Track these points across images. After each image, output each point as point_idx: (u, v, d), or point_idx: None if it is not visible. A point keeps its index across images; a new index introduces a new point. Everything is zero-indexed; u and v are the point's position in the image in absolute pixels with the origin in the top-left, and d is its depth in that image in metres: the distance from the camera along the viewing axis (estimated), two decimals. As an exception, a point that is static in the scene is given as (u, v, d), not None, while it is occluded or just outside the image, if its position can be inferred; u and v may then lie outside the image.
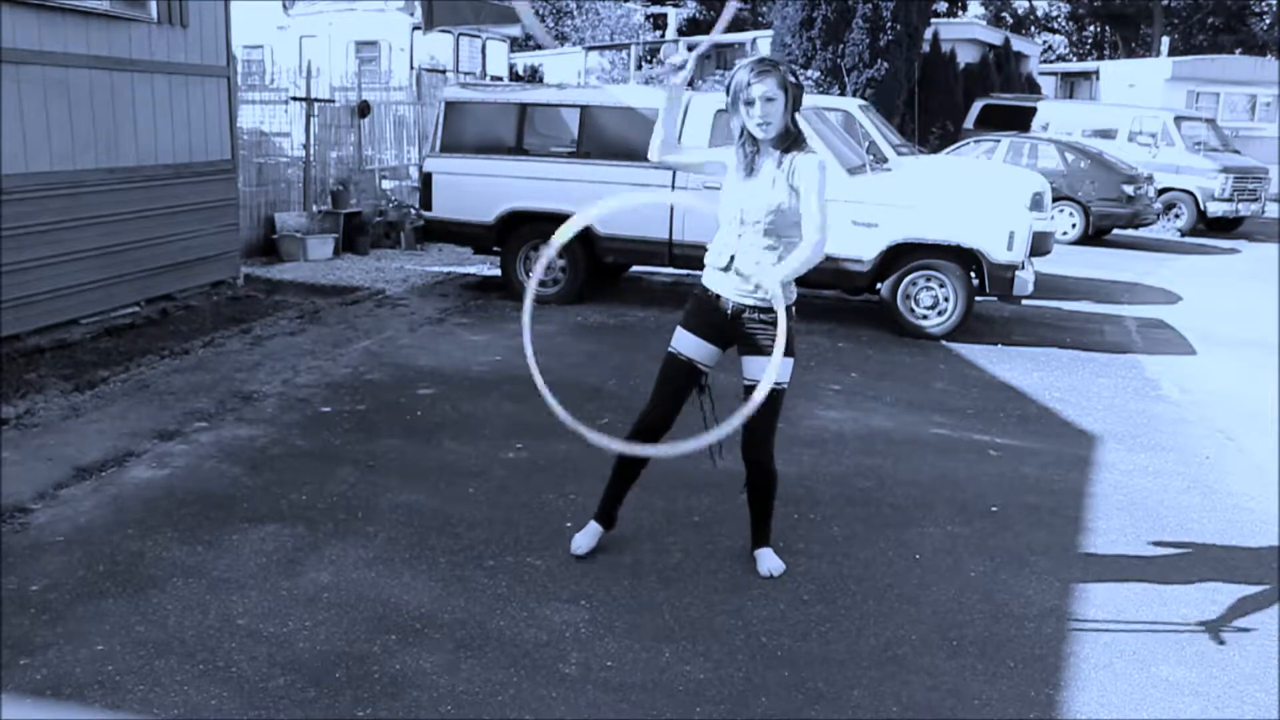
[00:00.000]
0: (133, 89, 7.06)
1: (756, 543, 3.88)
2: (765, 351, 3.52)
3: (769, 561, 3.83)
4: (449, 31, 16.19)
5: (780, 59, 3.56)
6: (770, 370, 3.28)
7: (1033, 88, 23.44)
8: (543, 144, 8.60)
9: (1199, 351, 7.90)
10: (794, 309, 3.57)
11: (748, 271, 3.51)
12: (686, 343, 3.71)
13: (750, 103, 3.44)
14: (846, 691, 3.09)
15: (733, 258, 3.56)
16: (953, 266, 7.61)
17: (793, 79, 3.48)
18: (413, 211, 10.89)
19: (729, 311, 3.60)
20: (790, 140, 3.52)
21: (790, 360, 3.55)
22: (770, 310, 3.50)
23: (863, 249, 7.64)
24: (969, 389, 6.47)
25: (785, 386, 3.63)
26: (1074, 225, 14.24)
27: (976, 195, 8.30)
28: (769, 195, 3.48)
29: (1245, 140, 19.41)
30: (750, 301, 3.56)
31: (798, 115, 3.53)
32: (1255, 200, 16.12)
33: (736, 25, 31.26)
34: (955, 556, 4.05)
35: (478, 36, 18.16)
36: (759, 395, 3.20)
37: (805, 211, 3.48)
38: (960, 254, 7.59)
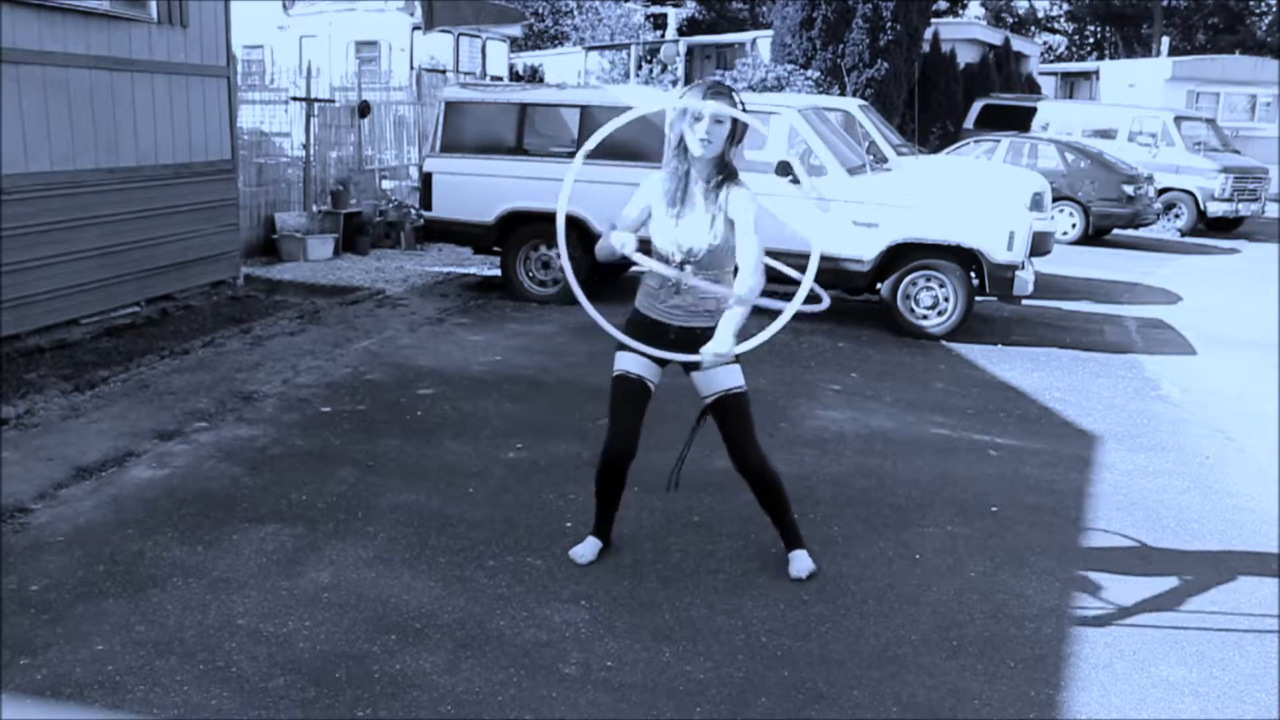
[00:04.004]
0: (133, 89, 7.06)
1: (788, 545, 3.86)
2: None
3: (799, 563, 3.81)
4: (449, 31, 16.20)
5: (735, 91, 3.53)
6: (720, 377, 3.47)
7: (1033, 88, 23.44)
8: (543, 144, 8.60)
9: (1199, 351, 7.90)
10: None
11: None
12: (634, 363, 3.67)
13: (699, 118, 3.41)
14: (846, 691, 3.09)
15: (678, 286, 3.54)
16: (953, 266, 7.61)
17: (743, 111, 3.46)
18: (413, 211, 10.89)
19: (673, 337, 3.58)
20: (724, 172, 3.50)
21: (738, 364, 3.60)
22: (712, 328, 3.49)
23: (863, 249, 7.64)
24: (969, 389, 6.47)
25: (745, 389, 3.65)
26: (1074, 225, 14.24)
27: (976, 195, 8.30)
28: (707, 232, 3.47)
29: (1245, 140, 19.41)
30: (696, 325, 3.55)
31: (736, 151, 3.51)
32: (1255, 200, 16.12)
33: (736, 25, 31.29)
34: (955, 556, 4.05)
35: (478, 36, 18.16)
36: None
37: (741, 251, 3.47)
38: (960, 254, 7.59)
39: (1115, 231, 14.72)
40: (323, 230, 10.38)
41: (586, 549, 3.87)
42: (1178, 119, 16.71)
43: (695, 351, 3.52)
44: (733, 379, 3.62)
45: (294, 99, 10.85)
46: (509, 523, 4.17)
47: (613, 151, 8.18)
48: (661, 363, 3.69)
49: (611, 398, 3.74)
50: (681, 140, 3.48)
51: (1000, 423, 5.79)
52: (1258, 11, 38.15)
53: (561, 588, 3.64)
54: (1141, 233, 15.32)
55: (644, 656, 3.23)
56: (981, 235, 7.50)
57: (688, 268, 3.51)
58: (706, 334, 3.49)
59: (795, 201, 7.53)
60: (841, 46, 17.96)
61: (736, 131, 3.46)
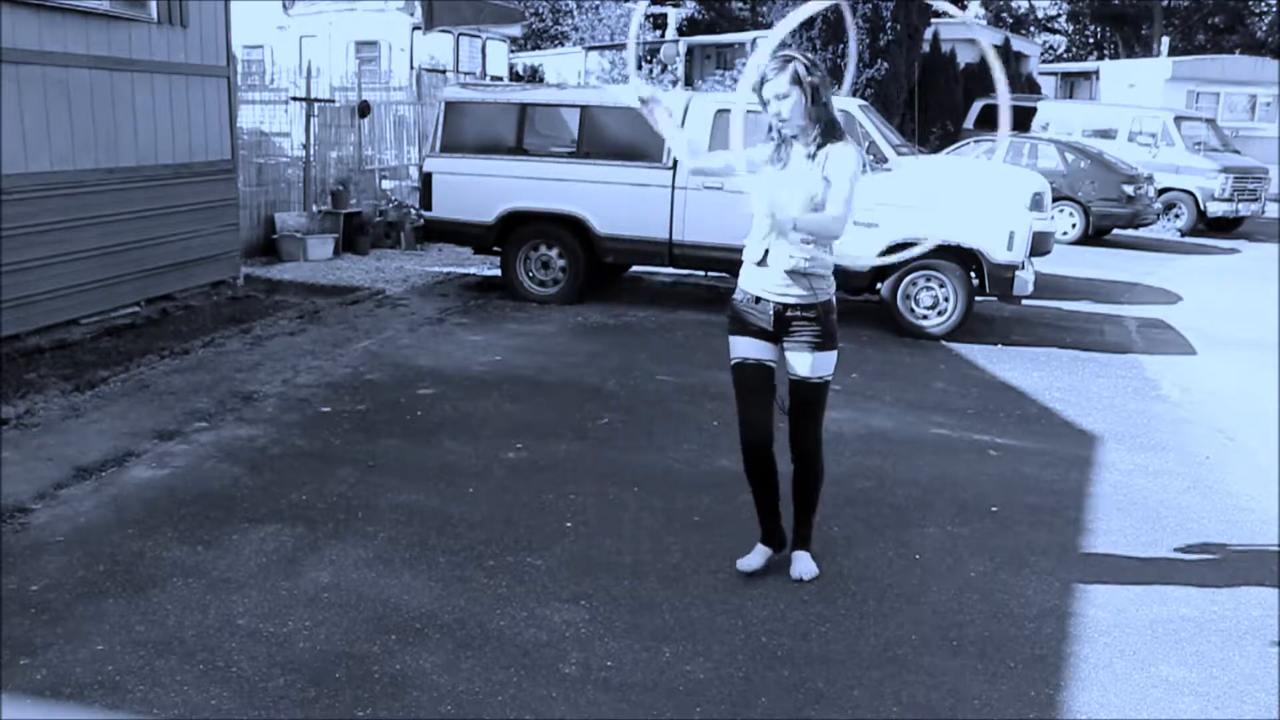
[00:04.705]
0: (133, 89, 7.06)
1: (795, 543, 3.84)
2: (806, 347, 3.57)
3: (801, 565, 3.79)
4: (449, 31, 16.21)
5: (797, 52, 3.52)
6: (806, 363, 3.48)
7: (1033, 88, 23.45)
8: (543, 144, 8.60)
9: (1199, 351, 7.90)
10: (833, 303, 3.61)
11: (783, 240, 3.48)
12: (746, 347, 3.65)
13: (767, 102, 3.46)
14: (846, 691, 3.09)
15: (767, 251, 3.54)
16: (953, 266, 7.61)
17: (807, 73, 3.43)
18: (413, 211, 10.89)
19: (770, 312, 3.58)
20: (823, 133, 3.47)
21: (833, 353, 3.61)
22: (811, 307, 3.53)
23: (863, 249, 7.63)
24: (969, 389, 6.47)
25: (829, 378, 3.66)
26: (1074, 225, 14.24)
27: (976, 195, 8.29)
28: (803, 188, 3.44)
29: (1245, 140, 19.41)
30: (790, 300, 3.54)
31: (828, 106, 3.47)
32: (1255, 200, 16.13)
33: (736, 25, 31.29)
34: (955, 556, 4.05)
35: (478, 36, 18.16)
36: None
37: (834, 190, 3.42)
38: (960, 254, 7.59)
39: (1115, 231, 14.72)
40: (323, 230, 10.38)
41: (753, 559, 3.81)
42: (1178, 119, 16.71)
43: (788, 326, 3.54)
44: (820, 369, 3.61)
45: (294, 99, 10.85)
46: (509, 523, 4.17)
47: (613, 151, 8.26)
48: (775, 338, 3.65)
49: (734, 388, 3.72)
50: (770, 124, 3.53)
51: (1000, 423, 5.79)
52: (1257, 11, 38.14)
53: (561, 588, 3.64)
54: (1141, 233, 15.32)
55: (644, 656, 3.23)
56: (981, 235, 7.50)
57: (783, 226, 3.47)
58: (803, 310, 3.51)
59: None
60: (841, 46, 17.96)
61: (807, 93, 3.42)
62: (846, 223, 3.43)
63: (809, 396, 3.66)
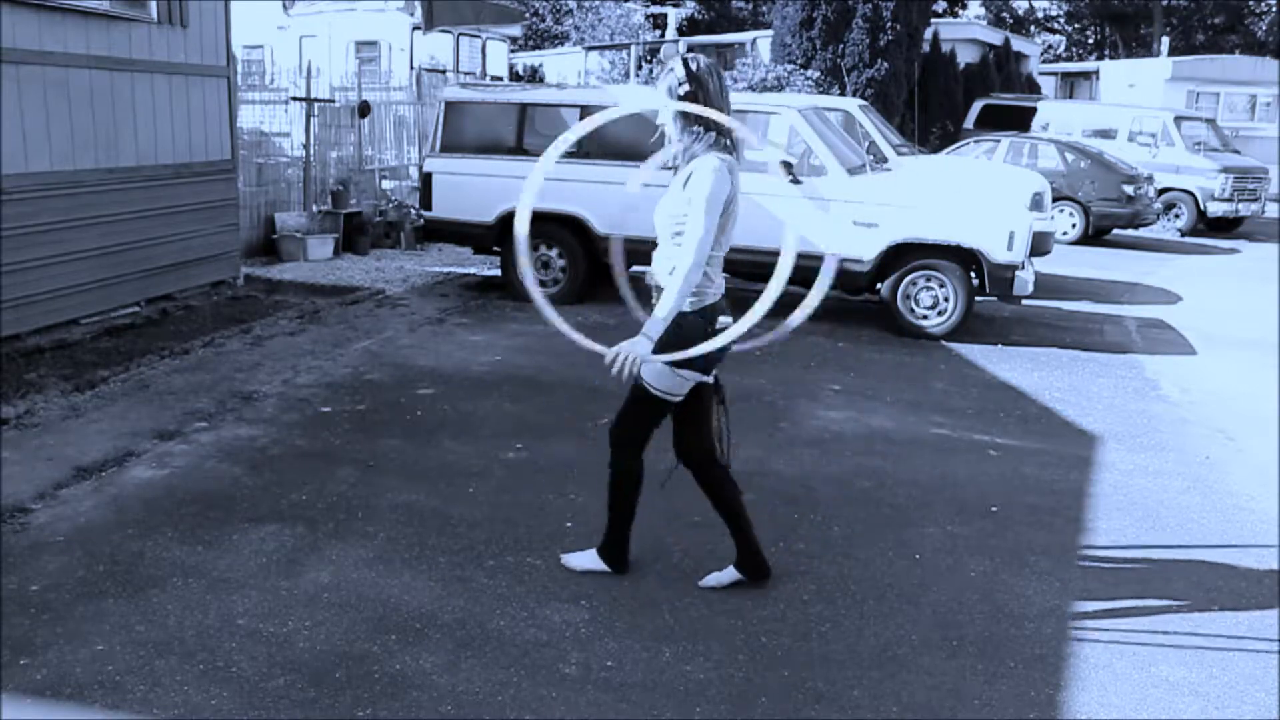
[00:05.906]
0: (133, 89, 7.06)
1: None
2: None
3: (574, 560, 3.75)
4: (449, 31, 16.21)
5: (693, 57, 3.33)
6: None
7: (1033, 88, 23.45)
8: (543, 144, 8.57)
9: (1199, 351, 7.90)
10: (688, 320, 3.30)
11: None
12: None
13: None
14: (846, 691, 3.09)
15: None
16: (953, 266, 7.61)
17: (679, 85, 3.27)
18: (413, 211, 10.89)
19: None
20: (707, 145, 3.28)
21: (659, 369, 3.30)
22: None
23: (863, 249, 7.64)
24: (969, 389, 6.47)
25: (653, 390, 3.42)
26: (1074, 225, 14.24)
27: (976, 195, 8.30)
28: (669, 208, 3.35)
29: (1245, 140, 19.41)
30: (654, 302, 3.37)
31: (707, 117, 3.25)
32: (1255, 200, 16.12)
33: (736, 25, 31.28)
34: (955, 556, 4.05)
35: (478, 36, 18.17)
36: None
37: (687, 226, 3.22)
38: (960, 254, 7.59)
39: (1115, 231, 14.72)
40: (323, 230, 10.38)
41: (720, 576, 3.72)
42: (1178, 119, 16.71)
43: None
44: (643, 371, 3.34)
45: (294, 99, 10.85)
46: (509, 523, 4.17)
47: (613, 151, 8.26)
48: None
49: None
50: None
51: (1000, 423, 5.79)
52: (1257, 11, 38.15)
53: (561, 588, 3.64)
54: (1141, 233, 15.32)
55: (644, 656, 3.23)
56: (981, 235, 7.50)
57: (669, 246, 3.36)
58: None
59: (795, 201, 7.53)
60: (841, 46, 17.98)
61: (691, 115, 3.25)
62: (698, 267, 3.17)
63: (629, 398, 3.52)
